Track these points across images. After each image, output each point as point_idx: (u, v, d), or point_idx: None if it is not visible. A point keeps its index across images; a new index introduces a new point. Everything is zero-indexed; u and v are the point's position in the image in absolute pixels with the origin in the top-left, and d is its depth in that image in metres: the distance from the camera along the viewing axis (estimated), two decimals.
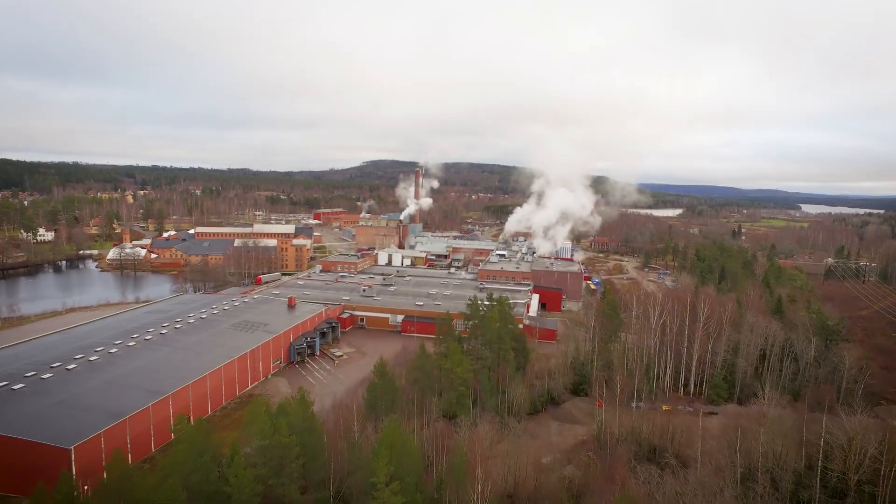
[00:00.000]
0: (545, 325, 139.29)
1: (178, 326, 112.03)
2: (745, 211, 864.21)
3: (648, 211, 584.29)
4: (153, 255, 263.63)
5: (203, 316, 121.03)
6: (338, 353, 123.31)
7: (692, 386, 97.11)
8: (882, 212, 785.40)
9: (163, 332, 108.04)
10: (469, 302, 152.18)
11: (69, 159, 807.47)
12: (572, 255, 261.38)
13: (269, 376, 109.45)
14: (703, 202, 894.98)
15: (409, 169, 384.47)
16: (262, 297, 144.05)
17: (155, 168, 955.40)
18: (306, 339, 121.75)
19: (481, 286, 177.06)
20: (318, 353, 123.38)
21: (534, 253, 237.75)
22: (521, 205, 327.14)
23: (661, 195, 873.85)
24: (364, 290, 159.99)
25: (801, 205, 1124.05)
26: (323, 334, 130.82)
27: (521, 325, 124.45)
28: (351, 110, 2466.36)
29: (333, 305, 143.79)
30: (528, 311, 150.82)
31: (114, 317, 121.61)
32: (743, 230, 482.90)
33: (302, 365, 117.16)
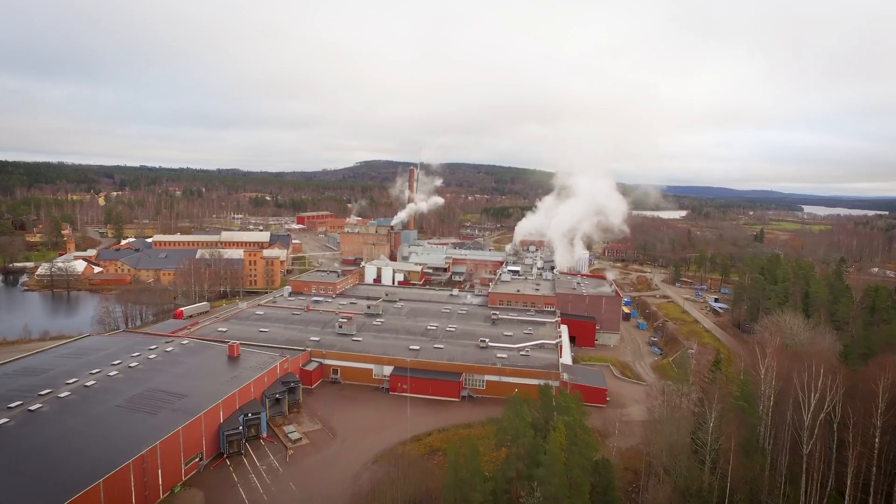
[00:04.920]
0: (596, 383, 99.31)
1: (34, 407, 71.09)
2: (750, 213, 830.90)
3: (654, 213, 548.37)
4: (97, 269, 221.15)
5: (89, 382, 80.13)
6: (295, 436, 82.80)
7: None
8: (886, 213, 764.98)
9: (2, 420, 67.21)
10: (480, 344, 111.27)
11: (57, 159, 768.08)
12: (602, 271, 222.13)
13: (177, 489, 68.70)
14: (704, 203, 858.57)
15: (405, 168, 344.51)
16: (192, 343, 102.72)
17: (143, 168, 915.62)
18: (246, 414, 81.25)
19: (494, 316, 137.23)
20: (264, 435, 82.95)
21: (553, 268, 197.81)
22: (523, 207, 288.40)
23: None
24: (341, 326, 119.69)
25: (802, 206, 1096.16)
26: (277, 401, 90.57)
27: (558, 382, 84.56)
28: (346, 110, 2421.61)
29: (296, 352, 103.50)
30: (560, 356, 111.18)
31: None
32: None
33: (236, 460, 76.52)
